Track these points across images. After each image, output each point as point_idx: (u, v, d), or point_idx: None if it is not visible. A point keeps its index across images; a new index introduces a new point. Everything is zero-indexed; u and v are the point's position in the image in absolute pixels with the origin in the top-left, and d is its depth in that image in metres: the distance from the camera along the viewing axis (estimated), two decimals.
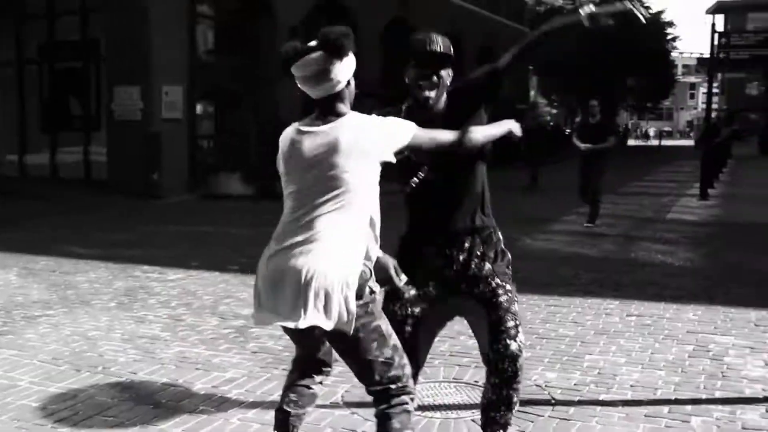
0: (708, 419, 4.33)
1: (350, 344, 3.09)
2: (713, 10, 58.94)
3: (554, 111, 77.36)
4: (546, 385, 4.89)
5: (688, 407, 4.51)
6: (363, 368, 3.18)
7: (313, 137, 3.05)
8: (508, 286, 3.43)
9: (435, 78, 3.35)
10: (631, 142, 69.22)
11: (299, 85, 3.08)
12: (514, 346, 3.38)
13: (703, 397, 4.70)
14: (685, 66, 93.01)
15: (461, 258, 3.41)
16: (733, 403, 4.57)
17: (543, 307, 7.02)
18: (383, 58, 26.51)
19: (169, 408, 4.56)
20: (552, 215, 13.85)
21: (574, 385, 4.91)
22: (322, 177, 3.01)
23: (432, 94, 3.37)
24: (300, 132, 3.10)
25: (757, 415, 4.38)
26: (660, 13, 51.86)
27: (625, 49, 45.53)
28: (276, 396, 4.73)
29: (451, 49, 3.37)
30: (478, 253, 3.42)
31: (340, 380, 5.03)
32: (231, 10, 19.90)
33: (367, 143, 3.01)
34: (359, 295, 3.01)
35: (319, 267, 2.94)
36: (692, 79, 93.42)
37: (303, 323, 2.93)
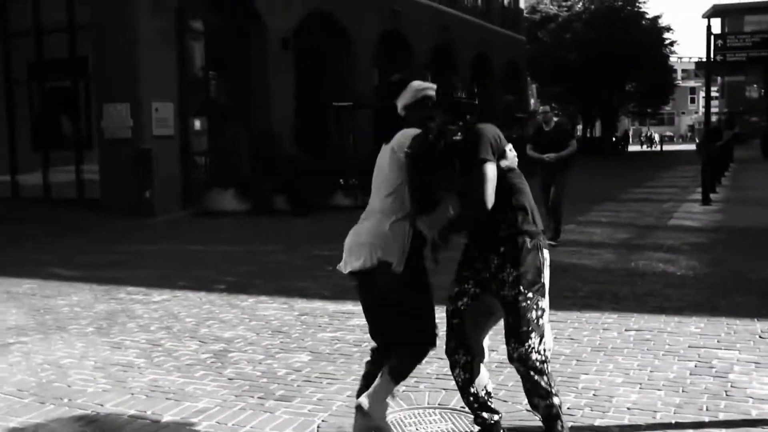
0: None
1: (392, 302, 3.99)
2: (710, 14, 58.85)
3: (555, 119, 77.21)
4: None
5: None
6: (388, 324, 4.11)
7: (383, 151, 4.10)
8: (530, 294, 3.77)
9: (461, 123, 3.92)
10: (635, 147, 69.04)
11: None
12: (521, 350, 3.79)
13: (706, 419, 4.38)
14: (684, 71, 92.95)
15: (495, 263, 3.81)
16: (738, 426, 4.25)
17: None
18: (377, 70, 26.33)
19: None
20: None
21: (568, 408, 4.60)
22: (378, 176, 4.07)
23: (460, 137, 3.88)
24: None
25: None
26: (657, 17, 51.72)
27: (623, 55, 45.38)
28: (248, 428, 4.44)
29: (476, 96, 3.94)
30: (510, 261, 3.78)
31: (318, 408, 4.74)
32: (221, 24, 19.68)
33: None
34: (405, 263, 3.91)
35: (364, 235, 3.98)
36: (692, 83, 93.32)
37: (348, 269, 4.02)
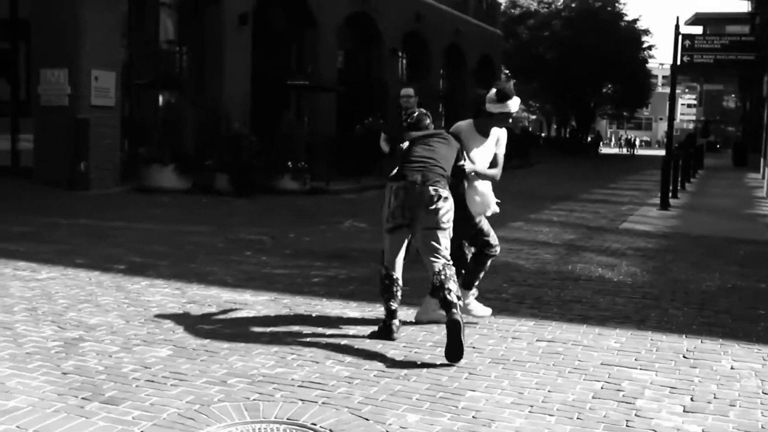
0: None
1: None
2: (692, 22, 58.54)
3: (533, 117, 76.94)
4: None
5: None
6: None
7: None
8: None
9: None
10: (612, 150, 68.92)
11: None
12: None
13: None
14: (664, 77, 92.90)
15: None
16: None
17: (443, 327, 5.98)
18: (343, 53, 25.56)
19: None
20: (500, 220, 12.73)
21: None
22: None
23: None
24: None
25: None
26: (636, 20, 51.31)
27: (600, 55, 44.91)
28: None
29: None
30: None
31: (146, 415, 4.00)
32: None
33: None
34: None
35: None
36: None
37: None
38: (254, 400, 4.26)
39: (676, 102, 66.57)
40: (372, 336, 5.62)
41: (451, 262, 5.44)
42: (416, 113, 6.61)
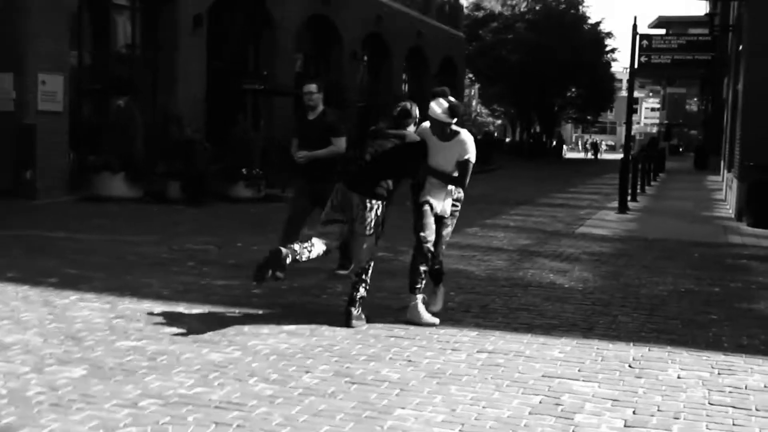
0: None
1: None
2: (655, 25, 58.98)
3: (498, 121, 77.08)
4: None
5: None
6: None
7: None
8: None
9: None
10: (579, 154, 69.26)
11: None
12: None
13: None
14: (628, 81, 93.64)
15: None
16: None
17: (381, 339, 5.72)
18: (302, 56, 25.24)
19: None
20: (455, 226, 12.49)
21: None
22: None
23: None
24: None
25: None
26: (599, 23, 51.58)
27: (564, 58, 45.00)
28: None
29: None
30: None
31: None
32: None
33: None
34: None
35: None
36: (635, 93, 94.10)
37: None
38: (164, 424, 3.95)
39: (639, 105, 67.41)
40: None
41: (369, 271, 6.10)
42: (400, 107, 6.28)
